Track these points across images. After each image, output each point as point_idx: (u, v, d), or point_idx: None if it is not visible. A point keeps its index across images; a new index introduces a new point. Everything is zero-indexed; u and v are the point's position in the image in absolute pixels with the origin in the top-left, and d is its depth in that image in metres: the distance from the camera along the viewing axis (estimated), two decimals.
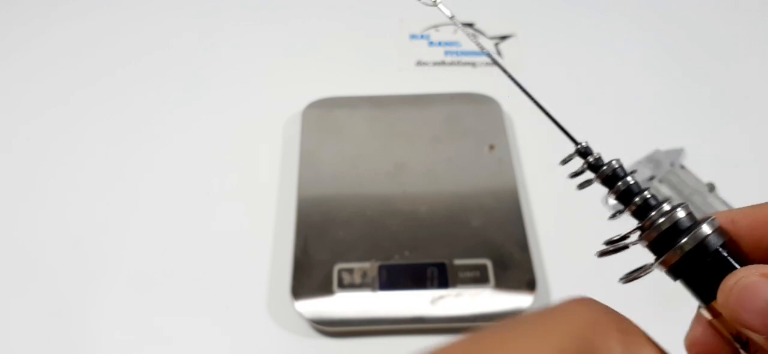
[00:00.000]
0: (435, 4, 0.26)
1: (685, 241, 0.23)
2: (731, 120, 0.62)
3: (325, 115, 0.60)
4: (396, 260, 0.49)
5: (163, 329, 0.48)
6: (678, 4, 0.74)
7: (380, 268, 0.48)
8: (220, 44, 0.70)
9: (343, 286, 0.48)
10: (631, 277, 0.27)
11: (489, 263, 0.48)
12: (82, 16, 0.72)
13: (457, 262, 0.48)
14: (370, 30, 0.71)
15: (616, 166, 0.26)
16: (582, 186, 0.27)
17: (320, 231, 0.51)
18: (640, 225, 0.25)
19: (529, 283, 0.48)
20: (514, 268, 0.49)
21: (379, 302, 0.47)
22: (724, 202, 0.53)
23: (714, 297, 0.23)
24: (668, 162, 0.56)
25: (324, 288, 0.48)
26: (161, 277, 0.51)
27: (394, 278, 0.48)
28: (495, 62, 0.27)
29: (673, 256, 0.24)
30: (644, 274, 0.26)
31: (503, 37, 0.70)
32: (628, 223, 0.26)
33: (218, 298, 0.49)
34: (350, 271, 0.48)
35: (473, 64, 0.67)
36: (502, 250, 0.49)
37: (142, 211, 0.55)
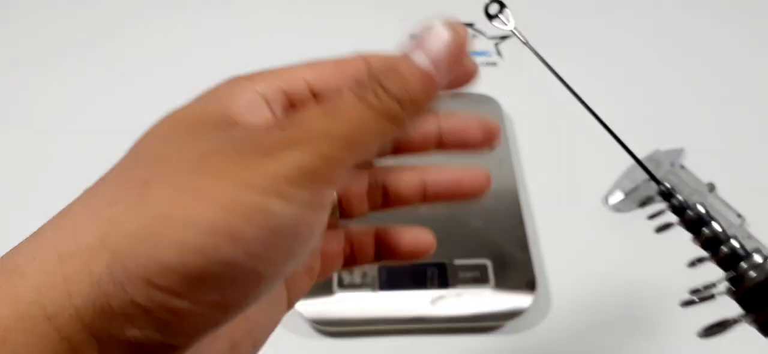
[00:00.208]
0: (512, 30, 0.27)
1: None
2: (731, 120, 0.62)
3: None
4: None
5: None
6: (678, 4, 0.74)
7: (380, 267, 0.48)
8: (219, 44, 0.70)
9: (343, 285, 0.48)
10: (713, 332, 0.26)
11: (489, 263, 0.48)
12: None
13: (457, 262, 0.48)
14: (370, 30, 0.71)
15: (703, 210, 0.24)
16: (661, 229, 0.26)
17: None
18: (727, 275, 0.24)
19: (529, 283, 0.48)
20: (514, 268, 0.49)
21: (379, 302, 0.47)
22: (724, 202, 0.53)
23: None
24: (668, 162, 0.55)
25: (324, 288, 0.48)
26: None
27: (394, 278, 0.48)
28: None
29: None
30: (729, 330, 0.25)
31: (503, 37, 0.70)
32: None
33: None
34: (350, 270, 0.48)
35: None
36: (502, 250, 0.49)
37: None
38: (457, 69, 0.25)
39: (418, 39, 0.24)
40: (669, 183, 0.54)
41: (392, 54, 0.25)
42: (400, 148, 0.29)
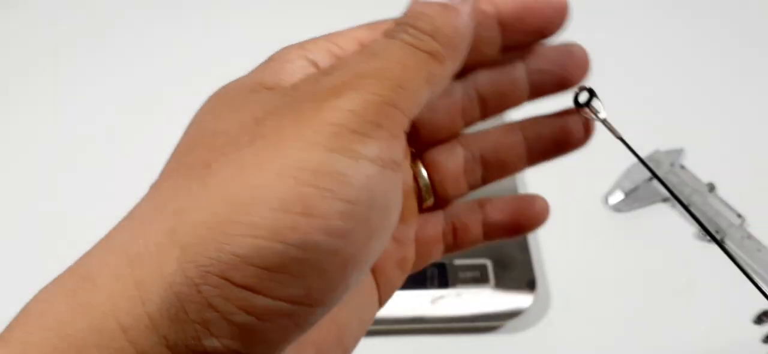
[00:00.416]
0: (604, 122, 0.27)
1: None
2: (731, 120, 0.62)
3: None
4: None
5: None
6: (677, 4, 0.74)
7: None
8: (217, 44, 0.70)
9: None
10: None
11: (489, 263, 0.48)
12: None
13: (457, 261, 0.48)
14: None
15: None
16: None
17: None
18: None
19: (529, 283, 0.48)
20: (514, 268, 0.49)
21: None
22: (724, 202, 0.53)
23: None
24: (668, 162, 0.55)
25: None
26: None
27: None
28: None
29: None
30: None
31: None
32: None
33: None
34: None
35: None
36: (502, 250, 0.49)
37: None
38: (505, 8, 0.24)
39: None
40: (669, 183, 0.54)
41: None
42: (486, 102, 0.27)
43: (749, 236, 0.51)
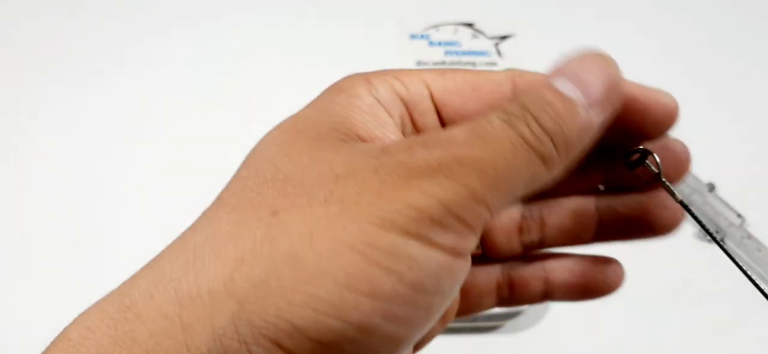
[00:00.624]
0: (662, 180, 0.24)
1: None
2: (731, 120, 0.62)
3: None
4: None
5: None
6: (677, 3, 0.74)
7: None
8: (217, 45, 0.70)
9: None
10: None
11: None
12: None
13: None
14: (370, 30, 0.71)
15: None
16: None
17: None
18: None
19: None
20: None
21: None
22: (724, 202, 0.53)
23: None
24: None
25: None
26: None
27: None
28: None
29: None
30: None
31: (503, 37, 0.70)
32: None
33: None
34: None
35: (473, 64, 0.67)
36: None
37: (149, 210, 0.55)
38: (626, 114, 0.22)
39: (567, 66, 0.22)
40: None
41: (538, 75, 0.22)
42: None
43: (749, 236, 0.51)
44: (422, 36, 0.70)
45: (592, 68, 0.21)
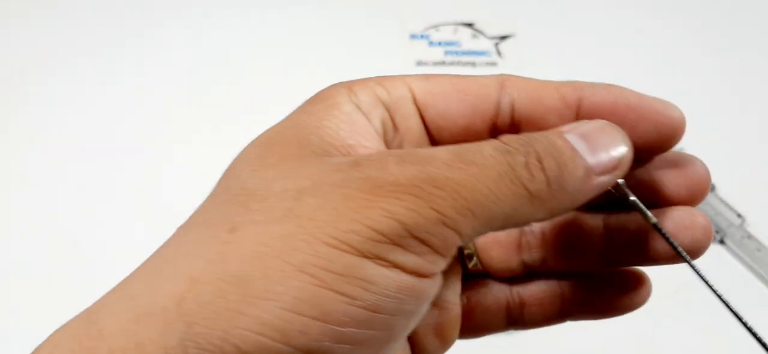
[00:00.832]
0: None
1: None
2: (731, 120, 0.62)
3: None
4: None
5: None
6: (678, 3, 0.74)
7: None
8: (216, 44, 0.70)
9: None
10: None
11: None
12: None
13: None
14: (370, 30, 0.71)
15: None
16: None
17: None
18: None
19: None
20: None
21: None
22: (724, 202, 0.53)
23: None
24: None
25: None
26: None
27: None
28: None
29: None
30: None
31: (503, 37, 0.70)
32: None
33: None
34: None
35: (473, 64, 0.67)
36: None
37: (151, 211, 0.55)
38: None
39: (580, 127, 0.21)
40: None
41: (528, 80, 0.22)
42: None
43: (749, 236, 0.51)
44: (422, 36, 0.70)
45: (607, 134, 0.21)
